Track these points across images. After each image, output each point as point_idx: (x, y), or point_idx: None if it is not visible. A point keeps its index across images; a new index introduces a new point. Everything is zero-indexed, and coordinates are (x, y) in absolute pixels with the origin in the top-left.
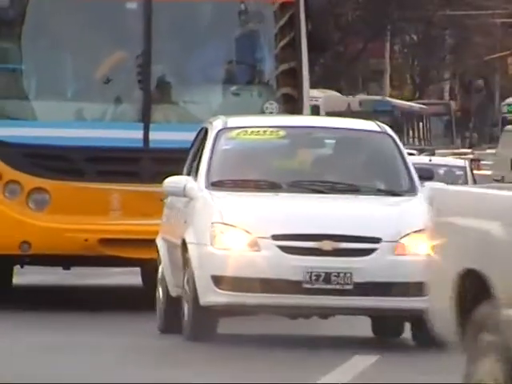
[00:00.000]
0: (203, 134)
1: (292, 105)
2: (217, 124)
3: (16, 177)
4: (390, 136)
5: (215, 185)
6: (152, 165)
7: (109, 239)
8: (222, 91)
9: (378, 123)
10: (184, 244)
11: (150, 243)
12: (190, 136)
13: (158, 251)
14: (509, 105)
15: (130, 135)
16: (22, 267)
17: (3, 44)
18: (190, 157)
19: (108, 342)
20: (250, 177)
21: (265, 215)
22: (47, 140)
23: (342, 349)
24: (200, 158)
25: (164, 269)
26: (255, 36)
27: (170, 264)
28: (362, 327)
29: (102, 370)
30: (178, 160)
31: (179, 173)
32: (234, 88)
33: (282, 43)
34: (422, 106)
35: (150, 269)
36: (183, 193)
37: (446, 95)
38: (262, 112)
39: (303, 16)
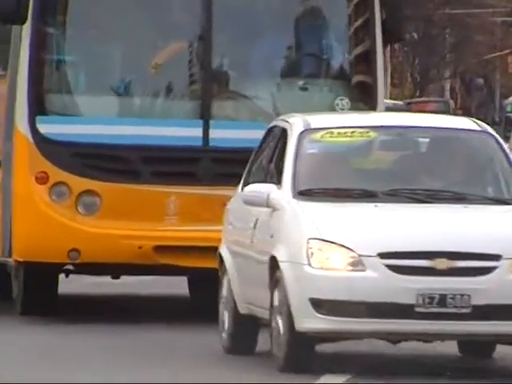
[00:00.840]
0: (278, 134)
1: (365, 99)
2: (298, 124)
3: (64, 178)
4: (492, 135)
5: (303, 194)
6: (212, 165)
7: (164, 247)
8: (288, 85)
9: (476, 121)
10: (273, 261)
11: (209, 251)
12: (253, 134)
13: (221, 262)
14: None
15: (188, 133)
16: (66, 277)
17: (52, 36)
18: (257, 158)
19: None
20: (341, 185)
21: (368, 230)
22: (98, 138)
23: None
24: (278, 162)
25: (232, 283)
26: (324, 25)
27: (239, 278)
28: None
29: None
30: (240, 160)
31: (242, 175)
32: (301, 82)
33: (353, 32)
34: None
35: (205, 278)
36: (266, 203)
37: (447, 93)
38: (333, 108)
39: (377, 1)
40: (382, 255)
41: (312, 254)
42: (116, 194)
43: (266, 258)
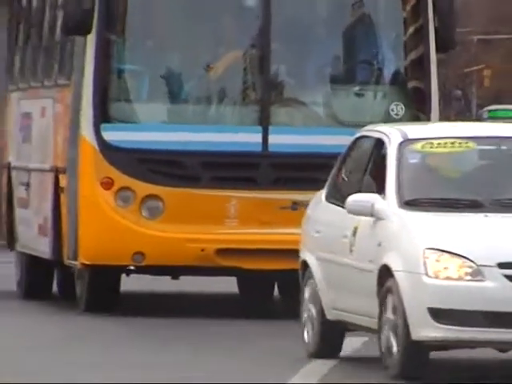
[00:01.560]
0: (372, 144)
1: (420, 105)
2: (395, 135)
3: (128, 183)
4: None
5: (409, 204)
6: (271, 170)
7: (226, 249)
8: (344, 92)
9: None
10: (384, 270)
11: (269, 253)
12: (310, 140)
13: (305, 268)
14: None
15: (248, 139)
16: (127, 275)
17: (115, 46)
18: (344, 168)
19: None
20: (446, 195)
21: (485, 240)
22: (161, 145)
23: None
24: (376, 172)
25: (319, 289)
26: (378, 32)
27: (329, 285)
28: None
29: None
30: (298, 165)
31: (301, 179)
32: (356, 88)
33: (407, 39)
34: None
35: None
36: (371, 212)
37: None
38: (388, 114)
39: (431, 10)
40: (502, 265)
41: (429, 263)
42: (178, 198)
43: (374, 267)
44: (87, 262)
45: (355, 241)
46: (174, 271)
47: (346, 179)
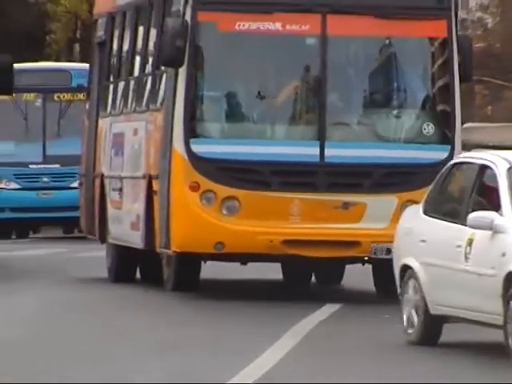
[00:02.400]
0: (476, 170)
1: (446, 125)
2: (502, 162)
3: (212, 187)
4: None
5: None
6: (326, 177)
7: (290, 240)
8: (385, 114)
9: None
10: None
11: (325, 244)
12: (359, 152)
13: (405, 270)
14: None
15: (308, 151)
16: (204, 263)
17: (201, 76)
18: (444, 190)
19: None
20: None
21: None
22: (238, 156)
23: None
24: (485, 194)
25: (423, 288)
26: (413, 65)
27: (433, 285)
28: None
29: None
30: (348, 173)
31: (350, 184)
32: (395, 111)
33: (436, 71)
34: None
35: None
36: (490, 227)
37: None
38: (421, 132)
39: (455, 50)
40: None
41: None
42: (251, 199)
43: (497, 273)
44: (178, 250)
45: (471, 250)
46: (246, 258)
47: (448, 198)
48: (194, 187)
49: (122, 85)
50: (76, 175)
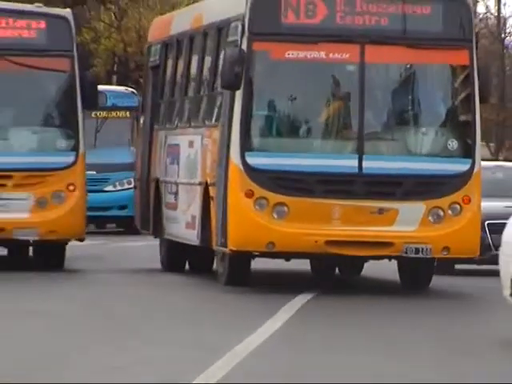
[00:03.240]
0: None
1: (468, 141)
2: None
3: (264, 194)
4: None
5: None
6: (363, 186)
7: (332, 241)
8: (415, 131)
9: None
10: None
11: (363, 244)
12: (391, 164)
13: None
14: None
15: (348, 164)
16: (253, 259)
17: (255, 96)
18: None
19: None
20: None
21: None
22: (286, 167)
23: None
24: None
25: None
26: (439, 88)
27: None
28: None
29: None
30: (383, 182)
31: (384, 192)
32: (423, 129)
33: (458, 93)
34: None
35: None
36: None
37: None
38: (446, 147)
39: (476, 76)
40: None
41: None
42: (298, 204)
43: None
44: (234, 249)
45: None
46: (293, 256)
47: None
48: (249, 194)
49: (176, 103)
50: (109, 180)
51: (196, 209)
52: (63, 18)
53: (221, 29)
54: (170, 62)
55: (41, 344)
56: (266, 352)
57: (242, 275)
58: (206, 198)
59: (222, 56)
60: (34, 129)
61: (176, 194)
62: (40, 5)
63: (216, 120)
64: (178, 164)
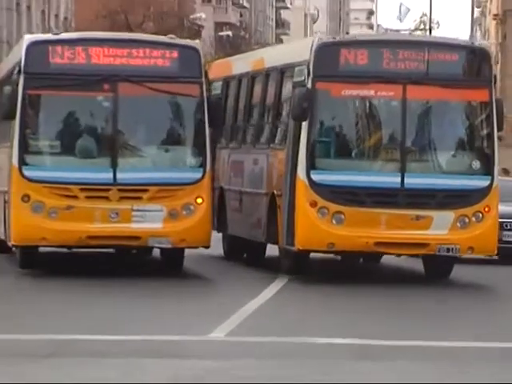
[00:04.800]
0: None
1: (488, 162)
2: None
3: (325, 204)
4: None
5: None
6: (405, 198)
7: (380, 242)
8: (445, 154)
9: None
10: None
11: (403, 245)
12: (428, 181)
13: None
14: None
15: (392, 180)
16: (308, 254)
17: (319, 126)
18: None
19: None
20: None
21: None
22: (343, 183)
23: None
24: None
25: None
26: (465, 120)
27: None
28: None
29: None
30: (420, 195)
31: (421, 203)
32: (452, 152)
33: (480, 122)
34: None
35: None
36: None
37: None
38: (471, 167)
39: (495, 109)
40: None
41: None
42: (353, 213)
43: None
44: (301, 248)
45: None
46: (347, 253)
47: None
48: (313, 204)
49: (239, 128)
50: None
51: (261, 213)
52: (193, 49)
53: (284, 71)
54: (230, 95)
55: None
56: (268, 311)
57: (303, 267)
58: (272, 205)
59: (290, 93)
60: (167, 147)
61: (240, 200)
62: (173, 36)
63: (281, 143)
64: (241, 177)
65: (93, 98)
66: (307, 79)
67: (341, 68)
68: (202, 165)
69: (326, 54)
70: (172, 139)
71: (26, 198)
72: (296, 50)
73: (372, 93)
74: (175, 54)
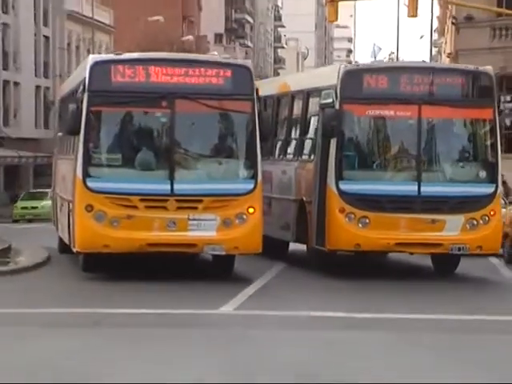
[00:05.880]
0: None
1: (493, 171)
2: None
3: (352, 210)
4: None
5: None
6: (422, 204)
7: (400, 243)
8: (456, 165)
9: None
10: None
11: (421, 245)
12: (441, 189)
13: None
14: None
15: (411, 188)
16: (335, 253)
17: (348, 143)
18: None
19: None
20: None
21: None
22: (367, 191)
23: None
24: None
25: None
26: (473, 136)
27: None
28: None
29: None
30: (435, 201)
31: (435, 208)
32: (461, 163)
33: (486, 140)
34: None
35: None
36: None
37: None
38: (478, 176)
39: (498, 126)
40: None
41: None
42: (376, 217)
43: None
44: (331, 248)
45: None
46: (371, 252)
47: None
48: (341, 210)
49: (267, 142)
50: None
51: (290, 216)
52: (245, 68)
53: (309, 93)
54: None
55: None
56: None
57: (330, 263)
58: (301, 210)
59: (316, 113)
60: (221, 160)
61: (269, 204)
62: (227, 56)
63: (309, 156)
64: (270, 184)
65: (152, 114)
66: (335, 101)
67: (364, 91)
68: (254, 176)
69: (351, 79)
70: (225, 152)
71: (89, 207)
72: (322, 75)
73: (391, 112)
74: (229, 73)
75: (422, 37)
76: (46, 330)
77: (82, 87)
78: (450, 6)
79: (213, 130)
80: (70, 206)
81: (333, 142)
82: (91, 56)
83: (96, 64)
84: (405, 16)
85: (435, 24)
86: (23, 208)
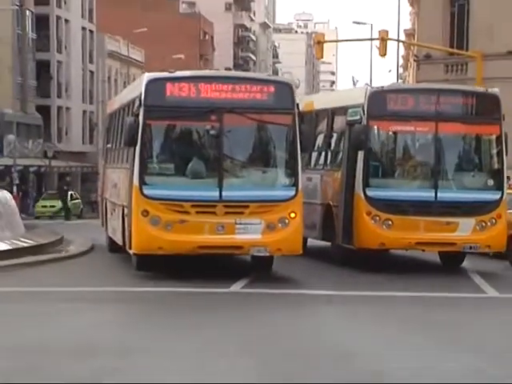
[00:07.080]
0: None
1: (500, 179)
2: None
3: (377, 213)
4: None
5: None
6: (438, 208)
7: (420, 242)
8: (467, 174)
9: None
10: None
11: (437, 244)
12: (455, 194)
13: None
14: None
15: (428, 194)
16: (356, 250)
17: (374, 155)
18: None
19: None
20: None
21: None
22: (391, 197)
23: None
24: None
25: None
26: (482, 149)
27: None
28: None
29: None
30: (450, 206)
31: (450, 212)
32: (472, 173)
33: (494, 153)
34: None
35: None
36: None
37: None
38: (487, 183)
39: (504, 141)
40: None
41: None
42: (399, 220)
43: None
44: (358, 246)
45: None
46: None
47: None
48: (368, 213)
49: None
50: None
51: (317, 218)
52: (287, 84)
53: (334, 112)
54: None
55: None
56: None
57: (352, 258)
58: (328, 213)
59: (341, 128)
60: (265, 169)
61: None
62: (270, 74)
63: (336, 165)
64: None
65: (202, 126)
66: (363, 118)
67: (388, 109)
68: (295, 184)
69: (377, 99)
70: (269, 162)
71: (145, 212)
72: (350, 96)
73: (412, 128)
74: (272, 89)
75: (390, 71)
76: (94, 306)
77: (138, 102)
78: (412, 47)
79: (257, 141)
80: (125, 210)
81: (360, 154)
82: (146, 74)
83: (151, 81)
84: (377, 55)
85: (401, 61)
86: (43, 206)
